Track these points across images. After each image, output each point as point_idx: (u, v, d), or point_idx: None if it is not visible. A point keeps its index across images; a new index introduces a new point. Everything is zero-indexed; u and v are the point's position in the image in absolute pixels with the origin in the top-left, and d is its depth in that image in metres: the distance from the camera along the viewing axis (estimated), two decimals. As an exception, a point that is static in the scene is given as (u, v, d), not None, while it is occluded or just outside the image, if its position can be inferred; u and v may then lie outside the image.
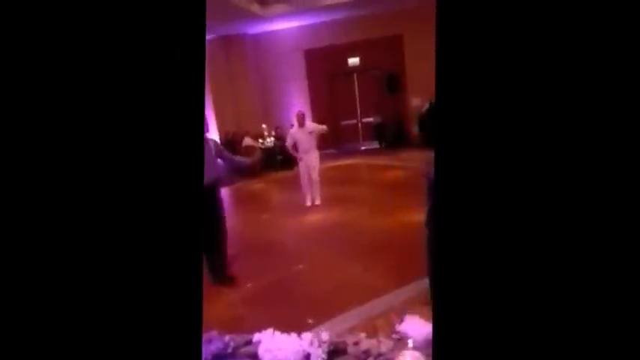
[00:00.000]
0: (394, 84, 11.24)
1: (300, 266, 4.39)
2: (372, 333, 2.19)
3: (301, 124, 6.51)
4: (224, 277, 4.18)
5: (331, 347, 1.74)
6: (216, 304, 3.79)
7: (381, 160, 9.73)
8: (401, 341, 1.79)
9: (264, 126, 10.76)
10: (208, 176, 4.09)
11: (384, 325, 2.90)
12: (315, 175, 6.60)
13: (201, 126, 1.22)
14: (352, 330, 2.69)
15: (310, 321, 3.09)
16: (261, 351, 1.76)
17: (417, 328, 1.82)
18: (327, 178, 7.52)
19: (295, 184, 7.10)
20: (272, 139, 10.61)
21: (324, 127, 6.83)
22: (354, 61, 11.43)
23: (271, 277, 4.25)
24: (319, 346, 1.71)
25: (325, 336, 1.78)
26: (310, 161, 6.52)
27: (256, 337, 1.84)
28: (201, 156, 1.28)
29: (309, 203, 6.64)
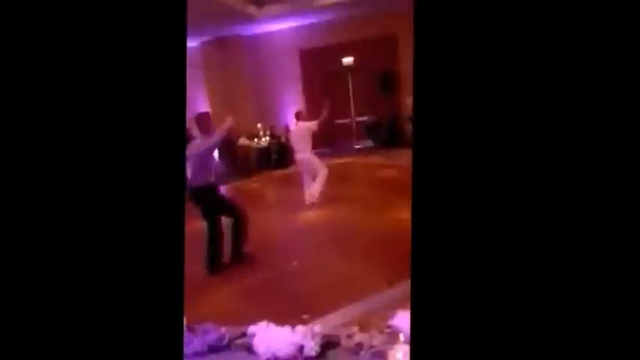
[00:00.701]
0: (388, 83, 11.34)
1: (295, 263, 4.48)
2: (366, 330, 2.14)
3: (298, 121, 6.67)
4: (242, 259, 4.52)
5: (324, 340, 1.78)
6: (212, 298, 3.88)
7: (374, 159, 9.85)
8: (393, 335, 1.82)
9: (259, 125, 10.84)
10: (206, 178, 4.28)
11: (378, 322, 2.93)
12: (322, 171, 6.61)
13: (182, 127, 1.21)
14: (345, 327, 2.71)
15: (305, 317, 3.15)
16: (255, 343, 1.80)
17: (409, 322, 1.85)
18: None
19: (290, 182, 7.20)
20: (267, 138, 10.70)
21: (313, 122, 6.74)
22: (348, 60, 11.52)
23: (266, 273, 4.35)
24: (312, 338, 1.75)
25: (318, 329, 1.83)
26: (308, 159, 6.59)
27: (251, 329, 1.89)
28: (183, 156, 1.28)
29: (307, 198, 6.65)
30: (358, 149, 11.65)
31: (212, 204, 4.44)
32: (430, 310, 1.18)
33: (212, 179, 4.41)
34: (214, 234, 4.46)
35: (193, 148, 4.33)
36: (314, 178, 6.66)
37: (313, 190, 6.63)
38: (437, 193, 1.17)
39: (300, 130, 6.64)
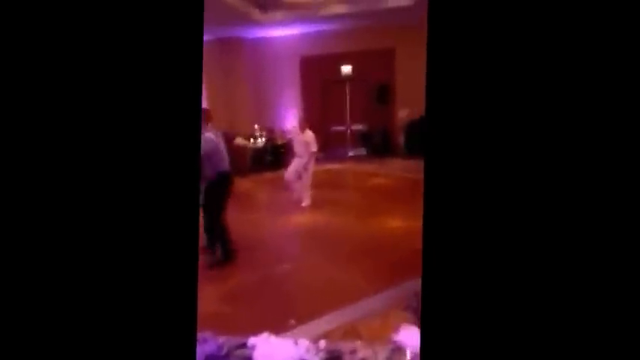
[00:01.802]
0: (384, 95, 11.60)
1: (286, 266, 4.61)
2: (354, 336, 2.14)
3: (302, 129, 6.96)
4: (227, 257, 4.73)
5: (327, 355, 1.75)
6: (200, 299, 3.92)
7: (367, 167, 10.09)
8: (398, 351, 1.78)
9: (256, 126, 11.04)
10: (225, 166, 4.70)
11: (364, 329, 2.86)
12: (306, 178, 6.98)
13: (197, 123, 1.24)
14: (330, 333, 2.68)
15: (292, 321, 3.19)
16: (256, 355, 1.77)
17: (415, 337, 1.78)
18: (316, 182, 7.82)
19: (282, 184, 7.38)
20: (263, 139, 10.90)
21: (315, 150, 7.06)
22: (347, 69, 11.76)
23: (254, 274, 4.44)
24: (316, 354, 1.74)
25: (323, 344, 1.78)
26: (305, 164, 6.91)
27: (251, 340, 1.88)
28: (197, 153, 1.29)
29: (297, 203, 6.96)
30: (352, 156, 11.89)
31: (226, 193, 4.75)
32: (440, 327, 1.17)
33: (227, 168, 4.75)
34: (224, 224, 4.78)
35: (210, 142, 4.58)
36: (299, 177, 7.00)
37: (304, 194, 6.96)
38: (447, 202, 1.17)
39: (302, 140, 6.99)
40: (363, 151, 11.98)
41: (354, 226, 5.82)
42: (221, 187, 4.71)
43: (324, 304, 3.56)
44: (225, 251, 4.74)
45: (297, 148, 7.05)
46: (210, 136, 4.63)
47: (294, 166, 7.04)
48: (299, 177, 7.04)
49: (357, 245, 5.08)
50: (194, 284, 1.30)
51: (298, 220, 6.40)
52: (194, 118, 1.24)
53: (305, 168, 6.96)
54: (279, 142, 10.79)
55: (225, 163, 4.74)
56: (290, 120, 10.93)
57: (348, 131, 12.25)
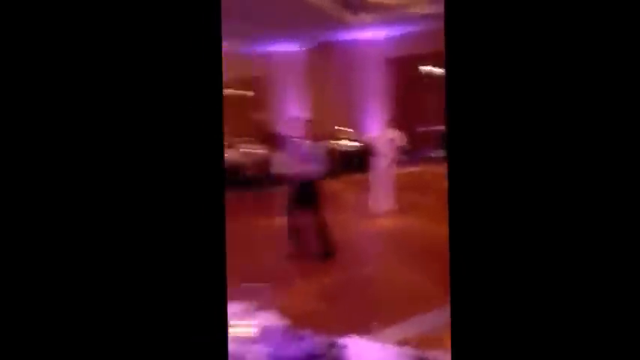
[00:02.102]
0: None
1: (369, 268, 4.78)
2: (428, 346, 2.14)
3: (387, 127, 7.11)
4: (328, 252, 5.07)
5: None
6: (290, 296, 4.16)
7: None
8: None
9: (342, 129, 11.26)
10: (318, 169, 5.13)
11: (436, 340, 2.75)
12: (389, 180, 7.05)
13: (220, 130, 1.28)
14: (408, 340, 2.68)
15: (375, 324, 3.20)
16: (349, 356, 1.88)
17: None
18: (398, 184, 7.90)
19: (368, 186, 7.48)
20: (350, 142, 11.08)
21: (401, 144, 7.23)
22: (431, 70, 11.60)
23: (341, 275, 4.64)
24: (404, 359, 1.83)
25: (408, 350, 1.89)
26: (389, 166, 6.99)
27: (341, 341, 2.04)
28: (221, 159, 1.33)
29: (382, 206, 7.03)
30: (433, 158, 11.71)
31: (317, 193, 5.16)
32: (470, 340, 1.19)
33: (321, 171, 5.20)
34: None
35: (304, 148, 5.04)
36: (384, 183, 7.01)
37: (389, 197, 7.02)
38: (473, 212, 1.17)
39: (387, 138, 7.08)
40: (443, 153, 11.74)
41: (437, 231, 5.79)
42: (315, 190, 5.13)
43: (405, 309, 3.61)
44: (327, 247, 5.07)
45: (382, 147, 7.08)
46: (310, 143, 5.13)
47: (379, 169, 7.07)
48: (380, 181, 7.04)
49: (439, 251, 5.06)
50: (223, 288, 1.31)
51: (384, 223, 6.50)
52: (215, 125, 1.27)
53: (389, 167, 6.98)
54: (365, 145, 10.90)
55: (322, 168, 5.17)
56: (375, 122, 10.96)
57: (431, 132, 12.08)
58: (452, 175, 1.23)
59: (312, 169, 5.12)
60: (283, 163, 10.46)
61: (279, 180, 8.54)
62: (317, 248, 5.12)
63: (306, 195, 5.17)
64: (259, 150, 10.49)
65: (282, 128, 11.23)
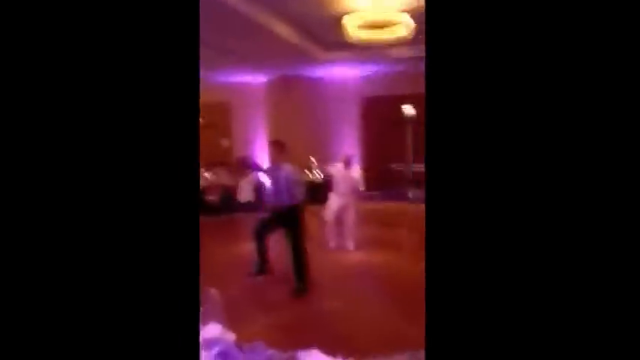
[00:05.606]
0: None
1: (336, 303, 4.56)
2: None
3: (349, 165, 6.60)
4: (303, 287, 4.82)
5: None
6: (252, 326, 3.97)
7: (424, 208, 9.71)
8: None
9: (313, 160, 11.12)
10: (292, 199, 4.85)
11: None
12: (351, 220, 6.58)
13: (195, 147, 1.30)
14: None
15: None
16: None
17: None
18: (371, 219, 7.67)
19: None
20: (320, 174, 10.90)
21: (361, 187, 6.95)
22: (410, 111, 11.65)
23: (310, 306, 4.48)
24: None
25: None
26: (346, 204, 6.54)
27: (300, 354, 1.93)
28: (196, 169, 1.37)
29: (332, 245, 6.62)
30: (411, 199, 11.60)
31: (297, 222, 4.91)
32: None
33: (297, 201, 4.89)
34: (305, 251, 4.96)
35: (283, 172, 4.85)
36: (340, 221, 6.62)
37: (347, 238, 6.63)
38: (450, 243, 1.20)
39: (348, 176, 6.63)
40: (422, 194, 11.65)
41: (410, 269, 5.56)
42: (298, 216, 4.89)
43: (377, 347, 3.44)
44: (303, 279, 4.83)
45: (340, 185, 6.52)
46: (289, 167, 4.90)
47: (334, 205, 6.53)
48: (339, 220, 6.54)
49: (412, 289, 4.85)
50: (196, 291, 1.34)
51: (354, 258, 6.26)
52: (192, 126, 1.30)
53: (347, 208, 6.50)
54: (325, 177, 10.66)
55: (300, 194, 4.91)
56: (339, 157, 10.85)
57: (410, 172, 12.03)
58: (430, 215, 1.26)
59: (290, 195, 4.84)
60: (251, 190, 10.14)
61: (240, 206, 8.21)
62: (293, 280, 4.87)
63: (286, 220, 4.91)
64: (221, 175, 10.41)
65: (254, 154, 11.01)
